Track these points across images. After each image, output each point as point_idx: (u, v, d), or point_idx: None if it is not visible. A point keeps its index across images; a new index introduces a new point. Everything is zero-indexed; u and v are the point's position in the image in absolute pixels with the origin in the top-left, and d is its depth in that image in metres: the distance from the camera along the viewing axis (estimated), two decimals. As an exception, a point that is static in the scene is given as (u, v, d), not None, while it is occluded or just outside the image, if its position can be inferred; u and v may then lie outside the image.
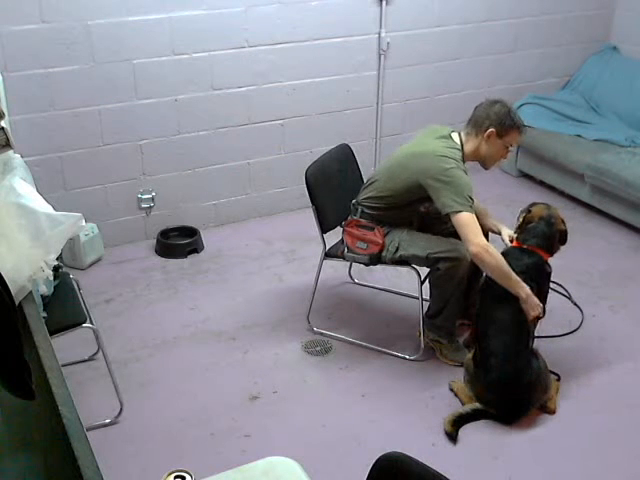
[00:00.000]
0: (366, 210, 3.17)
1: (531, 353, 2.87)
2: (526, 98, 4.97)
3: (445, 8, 4.55)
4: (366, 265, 3.22)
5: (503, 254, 2.99)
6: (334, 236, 3.32)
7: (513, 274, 2.83)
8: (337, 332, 3.39)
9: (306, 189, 3.15)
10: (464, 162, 3.02)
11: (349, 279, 3.80)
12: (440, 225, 3.19)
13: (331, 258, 3.28)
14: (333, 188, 3.26)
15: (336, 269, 3.76)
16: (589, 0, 5.03)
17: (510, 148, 3.09)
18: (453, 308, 3.12)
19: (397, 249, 3.07)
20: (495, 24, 4.77)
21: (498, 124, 3.00)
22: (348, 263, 3.65)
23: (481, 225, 2.97)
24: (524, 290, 2.82)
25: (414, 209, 3.17)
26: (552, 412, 2.88)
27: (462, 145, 3.05)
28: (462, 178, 2.92)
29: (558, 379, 3.03)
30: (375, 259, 3.13)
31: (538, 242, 2.96)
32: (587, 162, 4.41)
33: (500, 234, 3.16)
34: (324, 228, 3.22)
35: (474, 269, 3.14)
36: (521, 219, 3.06)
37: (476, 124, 3.04)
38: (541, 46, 5.00)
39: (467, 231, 2.85)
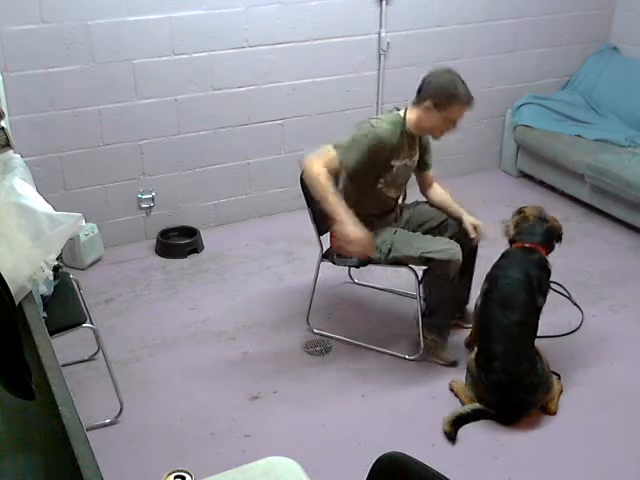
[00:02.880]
0: None
1: (535, 354, 2.87)
2: (526, 98, 4.97)
3: (445, 8, 4.55)
4: (357, 267, 3.22)
5: (505, 255, 3.01)
6: (334, 236, 3.33)
7: (330, 197, 2.79)
8: (337, 332, 3.39)
9: (302, 191, 3.15)
10: (411, 133, 3.02)
11: (349, 279, 3.79)
12: (427, 221, 3.21)
13: (328, 260, 3.27)
14: None
15: (336, 269, 3.75)
16: (589, 0, 5.03)
17: (458, 121, 3.00)
18: (448, 307, 3.15)
19: (390, 250, 3.07)
20: (495, 24, 4.77)
21: (438, 96, 2.92)
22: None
23: (446, 213, 3.15)
24: (339, 215, 2.79)
25: (376, 190, 3.10)
26: (552, 413, 2.88)
27: (405, 116, 3.03)
28: (361, 135, 2.90)
29: (558, 378, 3.03)
30: (365, 261, 3.12)
31: (538, 239, 3.02)
32: (587, 162, 4.41)
33: (461, 221, 3.16)
34: (321, 230, 3.22)
35: (464, 268, 3.13)
36: (515, 220, 3.10)
37: (418, 94, 2.99)
38: (541, 46, 5.00)
39: (317, 156, 2.85)
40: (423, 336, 3.21)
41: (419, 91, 2.99)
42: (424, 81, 2.99)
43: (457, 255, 2.96)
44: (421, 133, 3.08)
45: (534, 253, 2.98)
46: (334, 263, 3.23)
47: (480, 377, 2.85)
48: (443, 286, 3.04)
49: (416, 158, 3.16)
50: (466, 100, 2.94)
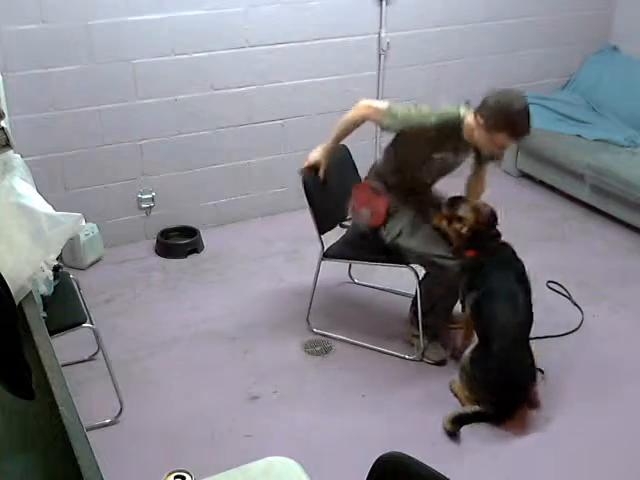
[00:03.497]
0: (383, 164, 3.18)
1: (531, 352, 2.86)
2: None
3: (445, 8, 4.55)
4: (364, 234, 3.22)
5: (486, 264, 2.94)
6: (332, 237, 3.33)
7: (337, 132, 3.11)
8: (337, 332, 3.39)
9: (303, 190, 3.15)
10: (461, 132, 2.90)
11: (349, 279, 3.79)
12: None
13: (329, 259, 3.28)
14: (330, 189, 3.26)
15: (336, 269, 3.75)
16: (589, 0, 5.03)
17: (503, 147, 2.92)
18: (440, 311, 3.17)
19: (398, 235, 3.07)
20: (495, 24, 4.77)
21: (490, 117, 2.76)
22: (347, 264, 3.68)
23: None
24: (327, 142, 3.14)
25: (414, 175, 3.09)
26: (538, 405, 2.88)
27: (464, 117, 2.91)
28: (412, 114, 2.91)
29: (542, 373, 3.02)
30: (373, 230, 3.14)
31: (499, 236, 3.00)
32: (587, 162, 4.42)
33: None
34: (321, 229, 3.22)
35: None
36: (464, 230, 2.95)
37: (479, 104, 2.83)
38: (541, 46, 5.00)
39: (373, 104, 3.03)
40: (412, 334, 3.24)
41: (481, 102, 2.83)
42: (487, 96, 2.81)
43: (453, 267, 2.97)
44: (470, 141, 2.94)
45: (507, 248, 2.97)
46: (344, 226, 3.31)
47: (474, 375, 2.84)
48: (435, 290, 3.08)
49: (464, 157, 3.08)
50: (515, 133, 2.79)
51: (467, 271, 2.96)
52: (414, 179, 3.15)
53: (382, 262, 3.28)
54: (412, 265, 3.12)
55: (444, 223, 3.00)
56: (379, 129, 4.19)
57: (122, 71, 3.81)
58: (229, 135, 4.23)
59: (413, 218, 3.12)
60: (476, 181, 3.23)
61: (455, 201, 3.03)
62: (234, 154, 4.29)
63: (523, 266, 2.95)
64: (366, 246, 3.22)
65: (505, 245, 3.00)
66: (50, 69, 3.65)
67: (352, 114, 3.06)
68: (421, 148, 2.99)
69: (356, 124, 3.08)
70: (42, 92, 3.67)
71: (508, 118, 2.75)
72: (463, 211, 2.97)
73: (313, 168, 3.16)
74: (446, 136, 2.91)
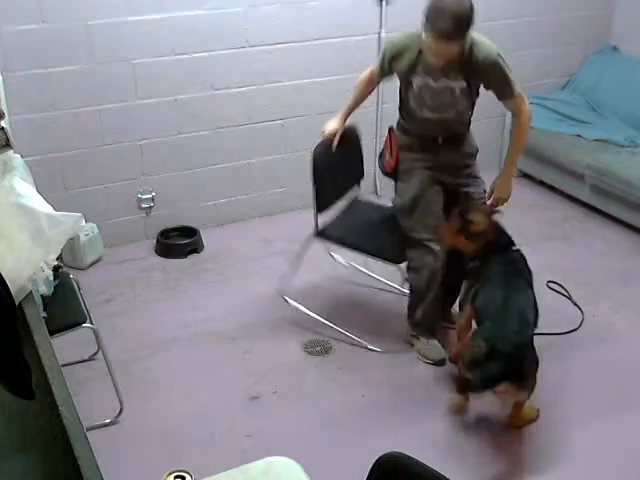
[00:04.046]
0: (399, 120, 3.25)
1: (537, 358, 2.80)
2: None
3: (445, 8, 4.54)
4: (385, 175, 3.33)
5: (493, 275, 2.87)
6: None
7: (350, 100, 3.30)
8: (336, 332, 3.38)
9: (311, 166, 3.18)
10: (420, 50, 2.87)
11: (348, 278, 3.78)
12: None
13: (322, 239, 3.28)
14: (335, 170, 3.29)
15: (335, 269, 3.76)
16: (589, 0, 5.03)
17: (433, 51, 2.78)
18: (430, 305, 3.13)
19: (409, 206, 3.09)
20: (495, 24, 4.75)
21: (424, 16, 2.71)
22: (345, 258, 3.69)
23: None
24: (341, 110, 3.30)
25: (410, 109, 3.09)
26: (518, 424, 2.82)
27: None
28: (385, 45, 3.09)
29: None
30: (388, 175, 3.27)
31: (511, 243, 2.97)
32: (587, 162, 4.42)
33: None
34: (319, 207, 3.23)
35: (458, 274, 3.10)
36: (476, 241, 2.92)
37: None
38: (541, 46, 5.00)
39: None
40: (411, 334, 3.26)
41: None
42: None
43: (436, 250, 2.98)
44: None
45: (517, 254, 2.91)
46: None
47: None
48: (418, 280, 3.08)
49: (451, 81, 2.93)
50: (434, 30, 2.67)
51: (472, 274, 2.93)
52: (416, 119, 3.06)
53: (373, 255, 3.27)
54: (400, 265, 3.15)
55: (457, 239, 2.94)
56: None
57: (122, 71, 3.81)
58: (229, 135, 4.23)
59: (420, 189, 3.07)
60: (516, 125, 3.15)
61: (466, 209, 3.02)
62: (234, 154, 4.29)
63: (531, 275, 2.88)
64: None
65: (516, 252, 2.93)
66: (50, 69, 3.65)
67: (354, 86, 3.26)
68: (402, 74, 3.01)
69: (366, 83, 3.24)
70: (42, 92, 3.67)
71: (431, 16, 2.68)
72: (474, 215, 2.95)
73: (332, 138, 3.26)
74: (412, 53, 2.91)
